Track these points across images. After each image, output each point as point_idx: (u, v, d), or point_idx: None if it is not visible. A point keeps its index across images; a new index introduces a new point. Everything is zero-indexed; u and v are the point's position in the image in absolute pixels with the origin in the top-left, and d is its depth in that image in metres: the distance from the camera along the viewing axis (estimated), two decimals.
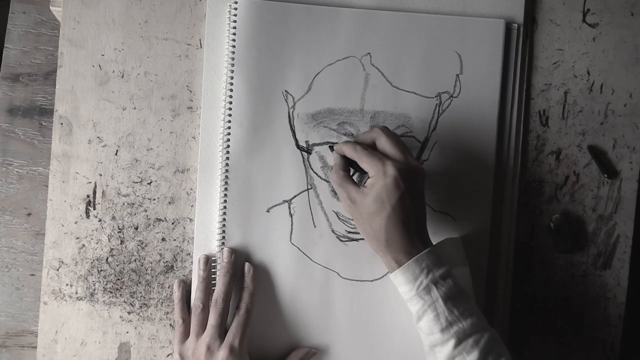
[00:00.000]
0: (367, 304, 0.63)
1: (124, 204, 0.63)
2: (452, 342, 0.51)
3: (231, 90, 0.61)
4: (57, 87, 0.62)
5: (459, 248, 0.61)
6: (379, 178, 0.53)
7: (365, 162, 0.55)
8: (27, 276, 0.66)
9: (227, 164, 0.61)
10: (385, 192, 0.53)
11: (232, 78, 0.61)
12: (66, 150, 0.63)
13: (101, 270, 0.63)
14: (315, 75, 0.62)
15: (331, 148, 0.60)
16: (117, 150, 0.63)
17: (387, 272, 0.57)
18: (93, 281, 0.63)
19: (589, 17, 0.67)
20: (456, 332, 0.52)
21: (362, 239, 0.62)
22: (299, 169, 0.62)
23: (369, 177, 0.55)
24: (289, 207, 0.62)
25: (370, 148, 0.56)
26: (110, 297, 0.63)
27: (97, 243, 0.63)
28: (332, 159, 0.61)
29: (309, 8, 0.62)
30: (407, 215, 0.53)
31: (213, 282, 0.61)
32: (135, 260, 0.63)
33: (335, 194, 0.62)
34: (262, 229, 0.62)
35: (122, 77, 0.63)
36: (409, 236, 0.54)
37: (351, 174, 0.58)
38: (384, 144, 0.56)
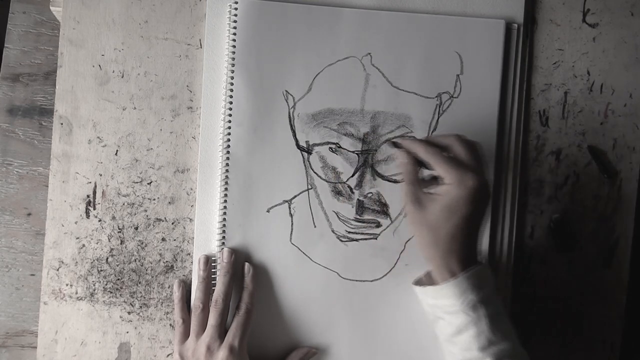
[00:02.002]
0: (367, 304, 0.63)
1: (124, 204, 0.63)
2: None
3: (231, 90, 0.61)
4: (57, 87, 0.62)
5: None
6: (456, 187, 0.52)
7: (441, 167, 0.53)
8: (27, 276, 0.66)
9: (227, 164, 0.61)
10: (459, 202, 0.52)
11: (232, 78, 0.61)
12: (66, 150, 0.62)
13: (101, 270, 0.63)
14: (316, 76, 0.62)
15: (393, 143, 0.58)
16: (117, 150, 0.63)
17: (414, 284, 0.57)
18: (93, 281, 0.63)
19: (589, 17, 0.67)
20: (495, 353, 0.52)
21: (363, 239, 0.62)
22: (299, 169, 0.62)
23: (438, 183, 0.54)
24: (289, 207, 0.62)
25: (442, 152, 0.55)
26: (110, 297, 0.63)
27: (97, 243, 0.63)
28: (394, 153, 0.57)
29: (309, 8, 0.62)
30: (470, 231, 0.54)
31: (213, 282, 0.61)
32: (135, 260, 0.63)
33: (336, 194, 0.62)
34: (262, 229, 0.62)
35: (122, 77, 0.63)
36: (468, 250, 0.54)
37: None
38: (461, 153, 0.54)
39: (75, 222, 0.63)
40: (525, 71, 0.66)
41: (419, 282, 0.60)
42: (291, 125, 0.62)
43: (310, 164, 0.62)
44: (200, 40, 0.63)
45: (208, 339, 0.58)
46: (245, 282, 0.60)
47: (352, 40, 0.63)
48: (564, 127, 0.67)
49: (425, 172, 0.57)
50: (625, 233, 0.67)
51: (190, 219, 0.63)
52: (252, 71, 0.62)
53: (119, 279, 0.63)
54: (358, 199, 0.62)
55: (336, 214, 0.62)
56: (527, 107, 0.66)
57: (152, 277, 0.63)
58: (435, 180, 0.57)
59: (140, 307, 0.63)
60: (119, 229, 0.63)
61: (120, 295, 0.63)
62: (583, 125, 0.67)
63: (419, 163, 0.56)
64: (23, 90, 0.68)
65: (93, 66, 0.63)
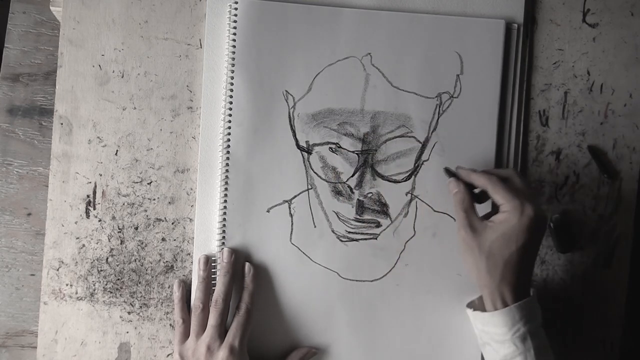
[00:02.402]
0: (367, 304, 0.63)
1: (124, 204, 0.63)
2: None
3: (231, 90, 0.61)
4: (57, 87, 0.62)
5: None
6: (514, 215, 0.53)
7: (501, 195, 0.54)
8: (27, 276, 0.66)
9: (227, 164, 0.61)
10: (517, 230, 0.53)
11: (232, 78, 0.61)
12: (66, 150, 0.62)
13: (101, 270, 0.63)
14: (316, 76, 0.62)
15: (449, 173, 0.59)
16: (117, 150, 0.63)
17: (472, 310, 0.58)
18: (93, 281, 0.63)
19: (589, 17, 0.67)
20: None
21: (363, 239, 0.62)
22: (299, 169, 0.62)
23: (497, 211, 0.55)
24: (289, 207, 0.62)
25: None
26: (110, 297, 0.63)
27: (97, 243, 0.63)
28: (447, 184, 0.59)
29: (309, 8, 0.62)
30: (528, 260, 0.54)
31: (213, 282, 0.61)
32: (135, 260, 0.63)
33: (336, 194, 0.62)
34: (262, 229, 0.62)
35: (122, 77, 0.63)
36: (523, 280, 0.54)
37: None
38: (519, 185, 0.55)
39: (75, 222, 0.63)
40: (525, 71, 0.66)
41: (471, 305, 0.60)
42: (291, 125, 0.62)
43: (310, 164, 0.62)
44: (200, 40, 0.63)
45: (208, 339, 0.58)
46: (246, 282, 0.60)
47: (352, 40, 0.62)
48: (564, 127, 0.67)
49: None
50: (625, 233, 0.67)
51: (190, 219, 0.63)
52: (252, 71, 0.62)
53: (119, 279, 0.63)
54: (358, 199, 0.62)
55: (336, 214, 0.62)
56: (527, 107, 0.66)
57: (152, 277, 0.63)
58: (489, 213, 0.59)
59: (140, 307, 0.63)
60: (119, 229, 0.63)
61: (120, 295, 0.63)
62: (583, 125, 0.67)
63: (472, 196, 0.57)
64: (23, 90, 0.68)
65: (93, 66, 0.63)
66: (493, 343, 0.55)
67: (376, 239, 0.63)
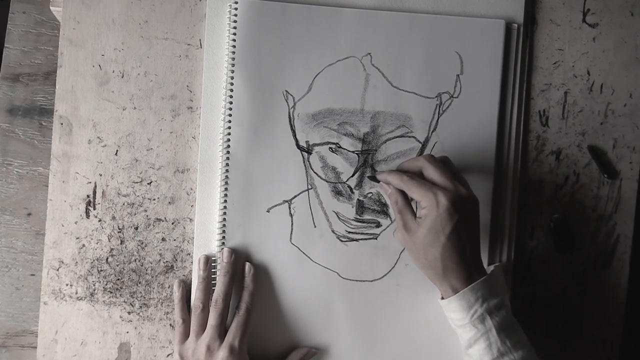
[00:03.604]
0: (367, 304, 0.63)
1: (124, 204, 0.63)
2: None
3: (231, 90, 0.61)
4: (57, 87, 0.62)
5: (503, 274, 0.60)
6: (432, 209, 0.53)
7: (415, 192, 0.55)
8: (27, 276, 0.66)
9: (227, 164, 0.61)
10: (439, 222, 0.53)
11: (232, 78, 0.61)
12: (66, 150, 0.62)
13: (101, 270, 0.63)
14: (316, 76, 0.62)
15: (372, 178, 0.61)
16: (117, 150, 0.63)
17: (441, 298, 0.57)
18: (93, 281, 0.63)
19: (589, 17, 0.67)
20: None
21: (363, 239, 0.62)
22: (299, 169, 0.62)
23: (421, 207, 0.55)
24: (289, 207, 0.62)
25: (417, 177, 0.56)
26: (110, 297, 0.63)
27: (97, 243, 0.63)
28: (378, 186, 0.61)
29: (309, 8, 0.62)
30: (462, 244, 0.54)
31: (213, 282, 0.61)
32: (135, 260, 0.63)
33: (336, 194, 0.62)
34: (262, 229, 0.62)
35: (122, 77, 0.63)
36: (464, 264, 0.54)
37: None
38: (432, 173, 0.56)
39: (75, 222, 0.63)
40: (525, 71, 0.66)
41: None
42: (291, 125, 0.62)
43: (310, 164, 0.62)
44: (200, 40, 0.63)
45: (208, 339, 0.58)
46: (246, 282, 0.60)
47: (352, 40, 0.62)
48: (564, 127, 0.67)
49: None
50: (625, 233, 0.67)
51: (190, 219, 0.63)
52: (252, 71, 0.62)
53: (119, 279, 0.63)
54: (358, 199, 0.62)
55: (336, 214, 0.62)
56: (527, 107, 0.66)
57: (152, 277, 0.63)
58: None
59: (140, 307, 0.63)
60: (119, 229, 0.63)
61: (120, 295, 0.63)
62: (583, 125, 0.67)
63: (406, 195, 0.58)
64: (23, 90, 0.68)
65: (93, 66, 0.63)
66: (457, 329, 0.56)
67: (376, 239, 0.63)
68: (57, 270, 0.62)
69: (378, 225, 0.63)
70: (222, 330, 0.58)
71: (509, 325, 0.54)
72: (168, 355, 0.63)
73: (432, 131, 0.63)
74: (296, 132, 0.62)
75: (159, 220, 0.63)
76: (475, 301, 0.53)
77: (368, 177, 0.62)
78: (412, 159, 0.59)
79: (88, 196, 0.63)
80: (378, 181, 0.60)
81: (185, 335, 0.60)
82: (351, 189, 0.62)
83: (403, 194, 0.57)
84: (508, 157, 0.64)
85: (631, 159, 0.67)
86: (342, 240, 0.63)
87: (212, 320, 0.58)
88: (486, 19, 0.64)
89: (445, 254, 0.54)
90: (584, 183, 0.67)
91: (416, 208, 0.59)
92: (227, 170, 0.61)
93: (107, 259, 0.63)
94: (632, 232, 0.67)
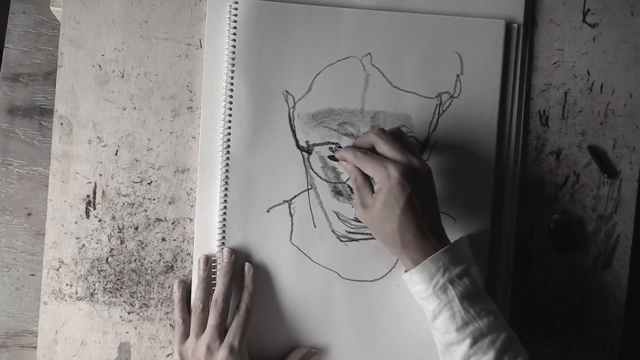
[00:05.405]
0: (367, 304, 0.63)
1: (124, 204, 0.63)
2: (467, 342, 0.51)
3: (231, 90, 0.61)
4: (57, 87, 0.62)
5: (470, 246, 0.60)
6: (384, 183, 0.53)
7: (368, 168, 0.55)
8: (27, 276, 0.66)
9: (227, 164, 0.61)
10: (392, 195, 0.53)
11: (232, 78, 0.61)
12: (66, 150, 0.62)
13: (101, 270, 0.63)
14: (316, 76, 0.62)
15: (332, 157, 0.61)
16: (117, 150, 0.63)
17: (405, 271, 0.57)
18: (93, 281, 0.63)
19: (589, 17, 0.67)
20: (472, 331, 0.52)
21: (363, 239, 0.62)
22: (299, 169, 0.62)
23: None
24: (289, 207, 0.62)
25: (370, 152, 0.56)
26: (110, 297, 0.63)
27: (97, 243, 0.63)
28: (338, 164, 0.62)
29: (309, 8, 0.62)
30: (418, 215, 0.53)
31: (213, 282, 0.61)
32: (135, 260, 0.63)
33: (336, 194, 0.62)
34: (262, 229, 0.62)
35: (122, 77, 0.63)
36: (422, 235, 0.54)
37: None
38: (382, 147, 0.56)
39: (75, 222, 0.63)
40: (525, 71, 0.66)
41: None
42: (291, 125, 0.62)
43: (310, 164, 0.62)
44: (200, 40, 0.63)
45: (208, 338, 0.58)
46: (246, 282, 0.60)
47: (352, 40, 0.63)
48: (564, 127, 0.67)
49: None
50: (625, 233, 0.67)
51: (190, 219, 0.63)
52: (252, 71, 0.62)
53: (119, 279, 0.63)
54: None
55: (336, 214, 0.62)
56: (527, 107, 0.66)
57: (152, 277, 0.63)
58: None
59: (140, 307, 0.63)
60: (119, 229, 0.63)
61: (120, 295, 0.63)
62: (583, 125, 0.67)
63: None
64: (23, 90, 0.68)
65: (93, 66, 0.63)
66: (422, 303, 0.55)
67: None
68: (57, 270, 0.62)
69: None
70: (222, 330, 0.58)
71: (474, 294, 0.53)
72: (168, 355, 0.63)
73: (432, 131, 0.63)
74: (296, 132, 0.62)
75: (159, 220, 0.63)
76: (437, 271, 0.53)
77: (328, 156, 0.62)
78: (364, 135, 0.59)
79: (88, 196, 0.63)
80: (337, 160, 0.61)
81: (185, 335, 0.60)
82: (351, 189, 0.62)
83: (359, 172, 0.57)
84: (508, 157, 0.64)
85: (631, 159, 0.67)
86: (342, 240, 0.63)
87: (212, 320, 0.58)
88: (486, 19, 0.64)
89: (402, 227, 0.53)
90: (584, 183, 0.67)
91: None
92: (227, 170, 0.61)
93: (107, 259, 0.63)
94: (632, 232, 0.67)
